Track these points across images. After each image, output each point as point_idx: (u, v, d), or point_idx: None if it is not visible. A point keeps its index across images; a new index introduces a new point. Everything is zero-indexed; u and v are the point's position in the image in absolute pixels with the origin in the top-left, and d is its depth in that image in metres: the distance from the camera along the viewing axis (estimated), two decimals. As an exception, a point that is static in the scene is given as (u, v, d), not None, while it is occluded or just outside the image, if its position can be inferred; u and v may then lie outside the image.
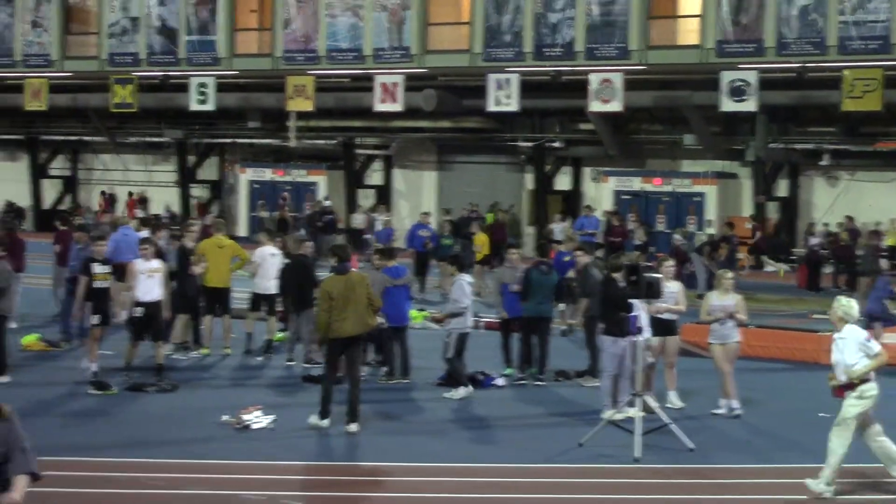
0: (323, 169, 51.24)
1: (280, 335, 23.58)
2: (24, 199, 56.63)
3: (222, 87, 47.54)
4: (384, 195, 51.10)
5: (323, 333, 16.84)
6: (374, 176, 52.49)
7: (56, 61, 51.53)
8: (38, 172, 57.92)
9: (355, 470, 14.75)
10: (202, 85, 47.37)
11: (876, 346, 13.80)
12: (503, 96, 41.98)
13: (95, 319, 19.79)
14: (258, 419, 16.74)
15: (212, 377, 20.95)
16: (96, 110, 52.14)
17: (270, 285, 23.04)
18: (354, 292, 16.76)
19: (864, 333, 13.90)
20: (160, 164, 56.28)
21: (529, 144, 46.57)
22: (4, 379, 19.47)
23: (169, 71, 49.17)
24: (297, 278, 22.03)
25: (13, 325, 22.42)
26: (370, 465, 14.88)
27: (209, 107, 47.62)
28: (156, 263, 20.16)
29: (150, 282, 19.86)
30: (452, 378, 19.58)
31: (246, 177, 52.61)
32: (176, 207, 52.94)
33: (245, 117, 50.63)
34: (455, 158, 50.72)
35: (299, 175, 51.37)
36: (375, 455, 15.30)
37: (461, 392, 19.30)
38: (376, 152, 51.85)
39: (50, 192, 58.33)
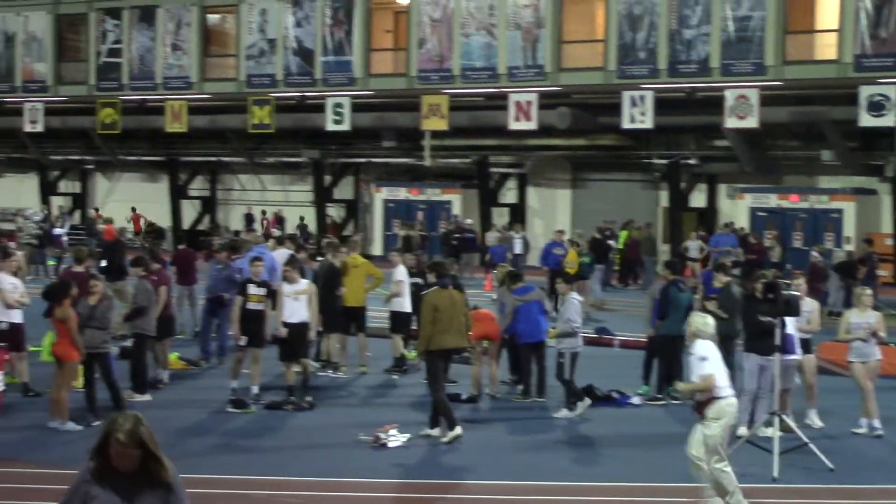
0: (457, 187, 51.43)
1: (413, 353, 23.72)
2: (164, 220, 57.62)
3: (358, 107, 47.95)
4: (518, 213, 51.12)
5: (424, 345, 17.13)
6: (509, 194, 52.56)
7: (195, 83, 52.41)
8: (178, 193, 58.92)
9: (493, 488, 14.75)
10: (338, 105, 47.83)
11: (704, 371, 13.39)
12: (638, 113, 41.79)
13: (243, 341, 19.96)
14: (394, 437, 16.86)
15: (348, 395, 21.13)
16: (234, 131, 52.89)
17: (406, 303, 23.22)
18: (455, 308, 17.29)
19: (703, 353, 13.52)
20: (297, 183, 56.93)
21: (664, 161, 46.30)
22: (146, 397, 19.82)
23: (305, 91, 49.70)
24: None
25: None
26: (508, 484, 14.88)
27: (345, 127, 48.06)
28: (302, 285, 20.23)
29: (295, 304, 19.96)
30: (574, 397, 19.51)
31: (381, 196, 52.99)
32: (312, 227, 53.48)
33: (380, 137, 51.01)
34: (589, 176, 50.60)
35: (434, 194, 51.63)
36: (512, 474, 15.31)
37: (579, 408, 19.24)
38: (510, 170, 51.91)
39: (189, 212, 59.29)
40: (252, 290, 20.01)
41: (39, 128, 54.98)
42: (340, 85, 48.62)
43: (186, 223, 58.64)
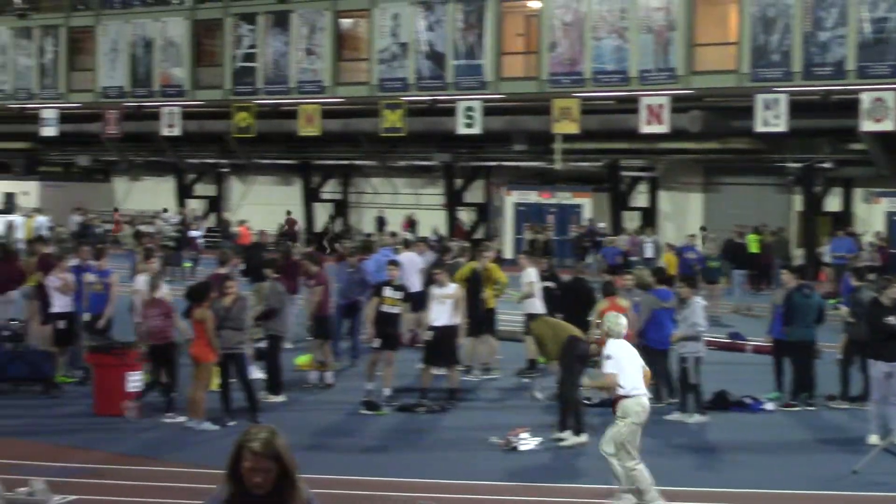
0: (588, 191, 51.31)
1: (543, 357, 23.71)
2: (297, 223, 58.27)
3: (489, 111, 48.07)
4: (649, 217, 50.85)
5: (559, 349, 17.23)
6: (640, 198, 52.31)
7: (328, 87, 52.92)
8: (311, 196, 59.52)
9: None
10: (469, 109, 48.00)
11: (607, 369, 13.88)
12: (771, 116, 41.36)
13: (377, 343, 20.14)
14: (525, 441, 16.90)
15: (478, 398, 21.21)
16: (367, 135, 53.31)
17: (538, 305, 23.23)
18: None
19: (609, 351, 14.01)
20: (428, 187, 57.21)
21: (798, 165, 45.73)
22: (280, 398, 20.09)
23: (437, 95, 49.97)
24: (573, 301, 22.09)
25: (288, 345, 23.12)
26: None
27: (476, 130, 48.20)
28: (450, 289, 20.24)
29: (441, 307, 20.04)
30: (698, 403, 19.37)
31: (512, 199, 53.04)
32: (443, 230, 53.69)
33: (511, 140, 51.06)
34: (721, 180, 50.17)
35: (564, 197, 51.55)
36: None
37: (696, 418, 19.12)
38: (642, 174, 51.66)
39: (322, 215, 59.85)
40: (388, 292, 20.14)
41: (176, 132, 55.94)
42: (472, 88, 48.79)
43: (319, 226, 59.17)
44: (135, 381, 18.61)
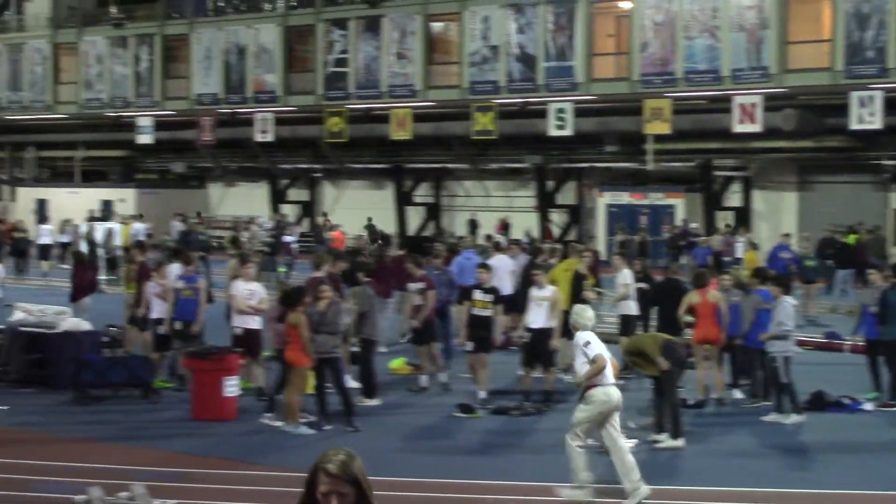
0: (680, 191, 51.02)
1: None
2: (389, 226, 58.42)
3: (580, 112, 47.99)
4: (743, 217, 50.45)
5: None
6: (733, 197, 51.92)
7: (420, 91, 53.09)
8: (403, 200, 59.73)
9: (718, 495, 14.63)
10: (560, 110, 47.96)
11: (592, 352, 14.08)
12: (866, 114, 40.90)
13: (469, 346, 20.16)
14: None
15: (574, 400, 21.14)
16: (458, 138, 53.43)
17: (633, 306, 23.17)
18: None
19: (585, 339, 14.31)
20: (520, 189, 57.19)
21: (894, 162, 45.17)
22: (374, 402, 20.21)
23: (528, 97, 49.98)
24: (666, 301, 22.01)
25: (383, 349, 23.23)
26: (729, 490, 14.73)
27: (567, 132, 48.15)
28: (547, 291, 20.11)
29: (538, 309, 19.94)
30: (794, 403, 19.20)
31: (604, 201, 52.87)
32: (535, 232, 53.64)
33: (602, 141, 50.93)
34: (816, 178, 49.68)
35: (657, 198, 51.31)
36: (735, 480, 15.17)
37: (793, 418, 18.94)
38: (734, 174, 51.28)
39: (414, 218, 60.02)
40: (478, 295, 20.20)
41: (270, 137, 56.43)
42: (563, 90, 48.73)
43: (412, 230, 59.33)
44: (231, 385, 18.80)
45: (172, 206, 60.06)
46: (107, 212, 57.04)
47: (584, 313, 14.75)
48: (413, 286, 21.71)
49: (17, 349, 21.47)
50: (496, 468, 15.77)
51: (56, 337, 21.60)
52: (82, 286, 26.15)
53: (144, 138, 60.99)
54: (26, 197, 67.42)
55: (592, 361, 14.12)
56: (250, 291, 20.52)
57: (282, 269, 42.41)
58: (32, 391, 20.92)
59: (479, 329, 20.08)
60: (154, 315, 21.79)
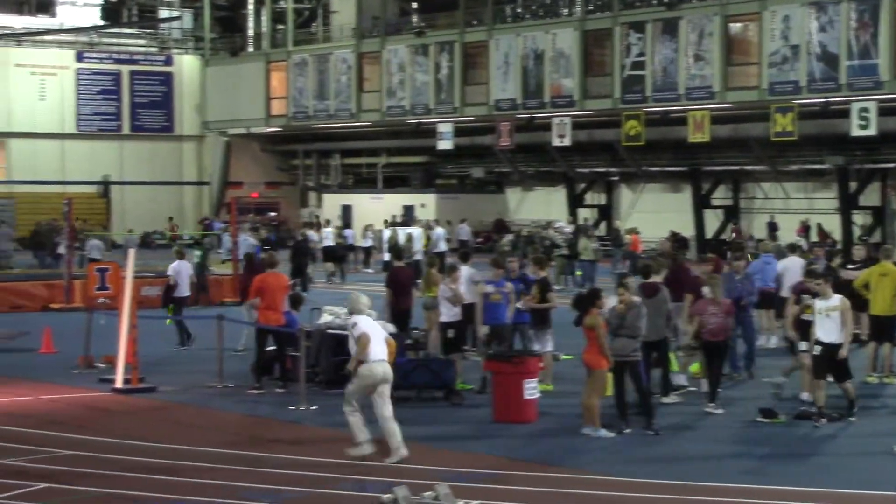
0: None
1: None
2: (687, 230, 57.97)
3: (884, 111, 46.69)
4: None
5: None
6: None
7: (718, 93, 52.53)
8: (701, 202, 59.15)
9: None
10: (863, 110, 46.77)
11: (358, 332, 16.12)
12: None
13: (804, 346, 19.69)
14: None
15: (882, 406, 20.68)
16: (757, 139, 52.68)
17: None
18: None
19: (352, 321, 16.39)
20: (820, 191, 55.97)
21: None
22: (671, 399, 20.24)
23: (829, 97, 48.90)
24: None
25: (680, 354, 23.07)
26: None
27: (871, 132, 46.92)
28: (834, 301, 18.96)
29: (827, 321, 18.87)
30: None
31: (910, 202, 51.36)
32: (837, 235, 52.44)
33: (909, 141, 49.47)
34: None
35: None
36: None
37: None
38: None
39: (712, 221, 59.36)
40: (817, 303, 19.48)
41: (567, 142, 56.73)
42: (866, 89, 47.48)
43: (709, 233, 58.71)
44: (531, 388, 19.02)
45: (471, 210, 61.06)
46: (408, 217, 58.32)
47: (359, 298, 16.62)
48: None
49: (325, 351, 22.18)
50: (796, 474, 15.53)
51: (361, 339, 22.21)
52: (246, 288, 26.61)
53: (444, 144, 62.07)
54: (332, 203, 69.45)
55: (357, 340, 16.07)
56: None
57: (578, 273, 42.65)
58: (340, 392, 21.58)
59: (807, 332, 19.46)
60: (443, 318, 22.18)
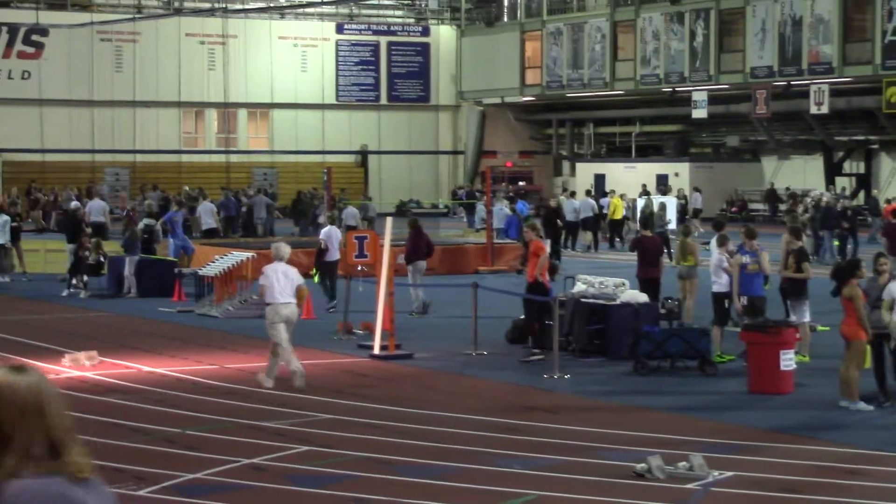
0: None
1: None
2: None
3: None
4: None
5: None
6: None
7: None
8: None
9: None
10: None
11: (259, 283, 19.72)
12: None
13: None
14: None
15: None
16: None
17: None
18: None
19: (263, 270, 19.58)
20: None
21: None
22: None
23: None
24: None
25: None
26: None
27: None
28: None
29: None
30: None
31: None
32: None
33: None
34: None
35: None
36: None
37: None
38: None
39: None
40: None
41: (824, 109, 55.59)
42: None
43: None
44: (788, 359, 18.85)
45: (726, 179, 60.33)
46: (662, 186, 58.02)
47: (279, 248, 19.72)
48: None
49: (578, 320, 22.37)
50: None
51: (615, 308, 22.36)
52: (417, 250, 28.17)
53: (699, 112, 61.53)
54: (585, 172, 69.52)
55: (260, 288, 19.46)
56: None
57: (835, 243, 41.82)
58: (594, 361, 21.78)
59: None
60: (716, 289, 22.11)
